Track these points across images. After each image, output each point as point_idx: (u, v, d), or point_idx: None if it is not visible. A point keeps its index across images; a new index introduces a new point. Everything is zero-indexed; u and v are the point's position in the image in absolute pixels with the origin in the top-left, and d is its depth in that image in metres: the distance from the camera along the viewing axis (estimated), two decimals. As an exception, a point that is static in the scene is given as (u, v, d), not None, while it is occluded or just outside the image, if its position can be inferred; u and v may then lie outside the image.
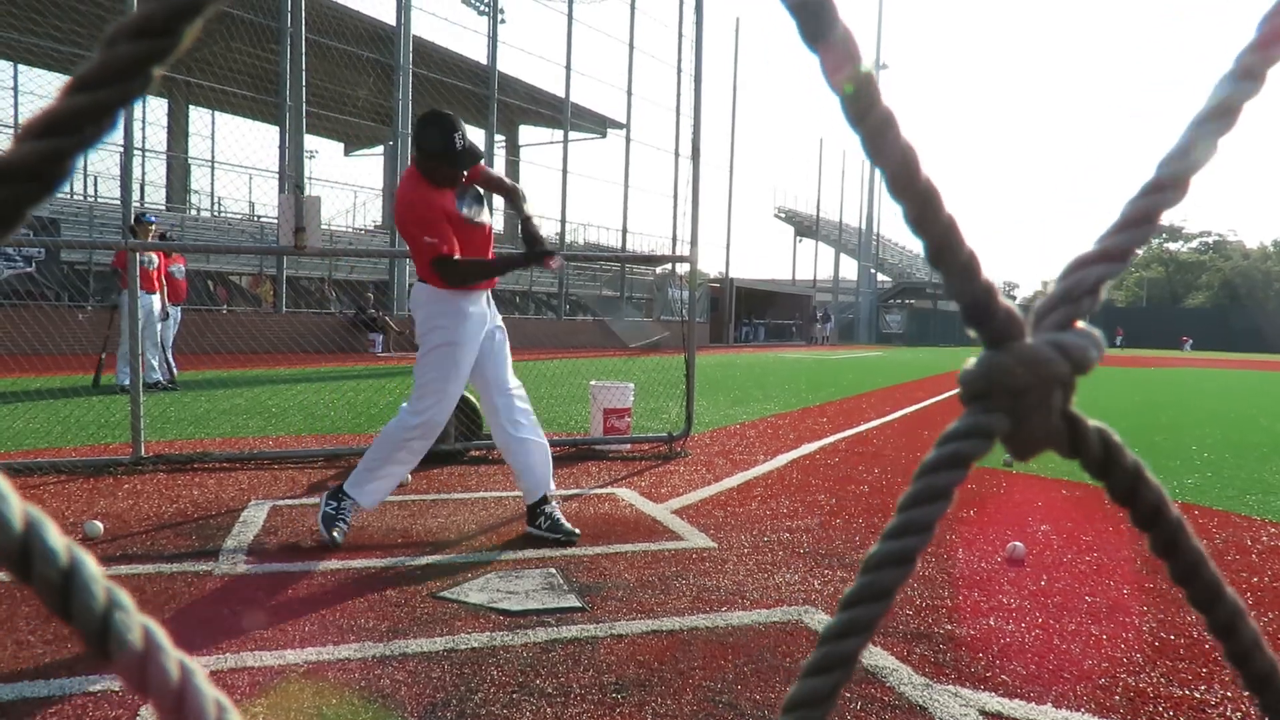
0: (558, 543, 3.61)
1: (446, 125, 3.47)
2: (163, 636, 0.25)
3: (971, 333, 0.35)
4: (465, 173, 3.58)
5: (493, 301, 3.84)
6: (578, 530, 3.71)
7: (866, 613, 0.34)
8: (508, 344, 3.86)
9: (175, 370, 10.11)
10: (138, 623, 0.25)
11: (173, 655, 0.25)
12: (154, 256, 9.32)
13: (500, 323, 3.83)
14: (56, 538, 0.25)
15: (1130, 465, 0.36)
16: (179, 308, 10.48)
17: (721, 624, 2.74)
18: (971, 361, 0.35)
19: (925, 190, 0.32)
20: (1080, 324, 0.35)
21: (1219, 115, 0.35)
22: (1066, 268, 0.36)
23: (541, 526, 3.69)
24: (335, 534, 3.47)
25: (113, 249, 8.41)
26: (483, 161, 3.67)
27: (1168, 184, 0.35)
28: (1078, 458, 0.35)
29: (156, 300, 9.44)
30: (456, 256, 3.50)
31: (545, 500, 3.74)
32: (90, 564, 0.25)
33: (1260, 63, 0.34)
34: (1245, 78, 0.34)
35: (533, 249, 3.59)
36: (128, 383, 9.12)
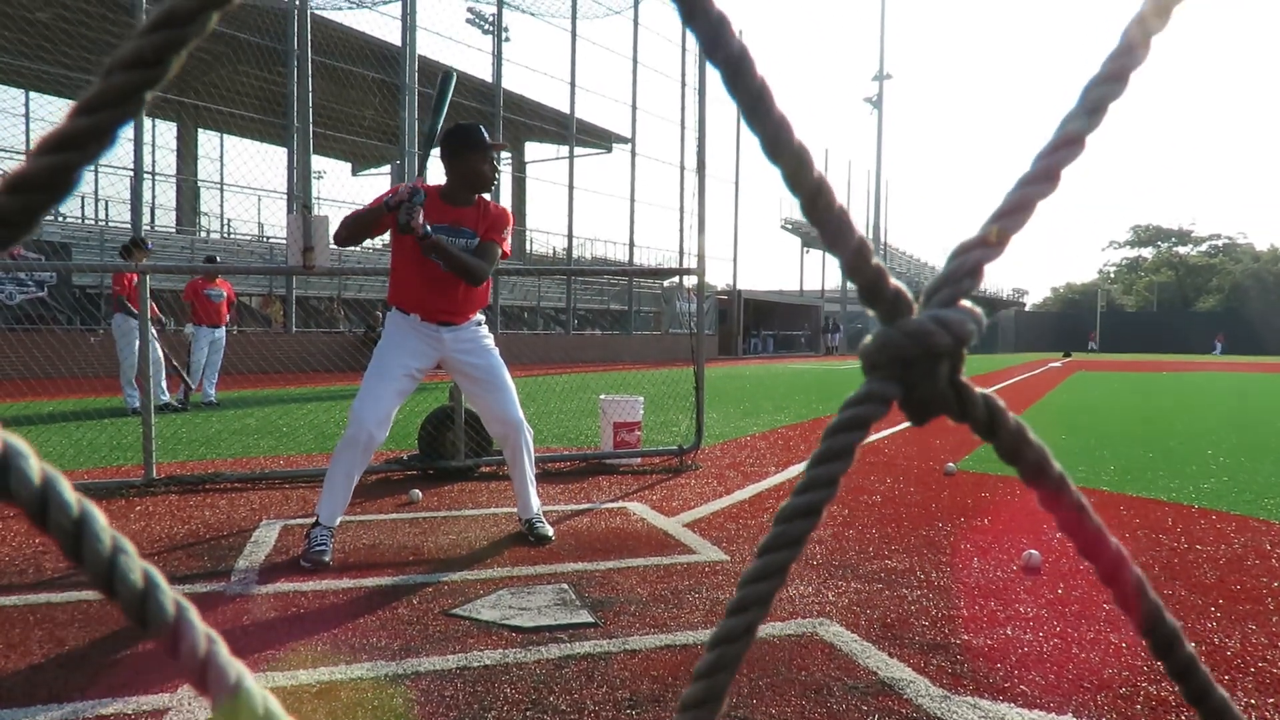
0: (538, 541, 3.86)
1: (473, 126, 3.73)
2: (160, 577, 0.30)
3: (870, 311, 0.39)
4: (494, 177, 3.73)
5: (467, 331, 3.82)
6: (551, 534, 3.94)
7: (780, 558, 0.38)
8: (497, 372, 3.84)
9: (192, 393, 10.13)
10: (138, 565, 0.30)
11: (169, 594, 0.30)
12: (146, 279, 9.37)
13: (477, 357, 3.82)
14: (69, 492, 0.29)
15: (1013, 427, 0.40)
16: (222, 330, 10.50)
17: (735, 638, 2.71)
18: (869, 336, 0.39)
19: (818, 183, 0.36)
20: (964, 302, 0.39)
21: (1086, 113, 0.39)
22: (952, 252, 0.40)
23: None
24: (320, 558, 3.46)
25: (123, 271, 8.46)
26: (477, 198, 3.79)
27: (1040, 176, 0.39)
28: (966, 421, 0.40)
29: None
30: (348, 217, 3.62)
31: (531, 519, 3.98)
32: (98, 516, 0.30)
33: (1124, 67, 0.39)
34: (1110, 80, 0.39)
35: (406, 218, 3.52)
36: (137, 405, 9.17)
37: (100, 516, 0.29)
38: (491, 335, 3.98)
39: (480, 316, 3.93)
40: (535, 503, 3.98)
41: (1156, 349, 52.07)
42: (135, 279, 9.11)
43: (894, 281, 0.38)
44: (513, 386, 3.90)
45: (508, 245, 3.84)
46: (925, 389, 0.38)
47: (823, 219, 0.36)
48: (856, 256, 0.37)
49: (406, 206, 3.46)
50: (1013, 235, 0.39)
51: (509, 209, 3.89)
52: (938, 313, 0.38)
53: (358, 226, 3.58)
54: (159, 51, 0.29)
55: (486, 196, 3.82)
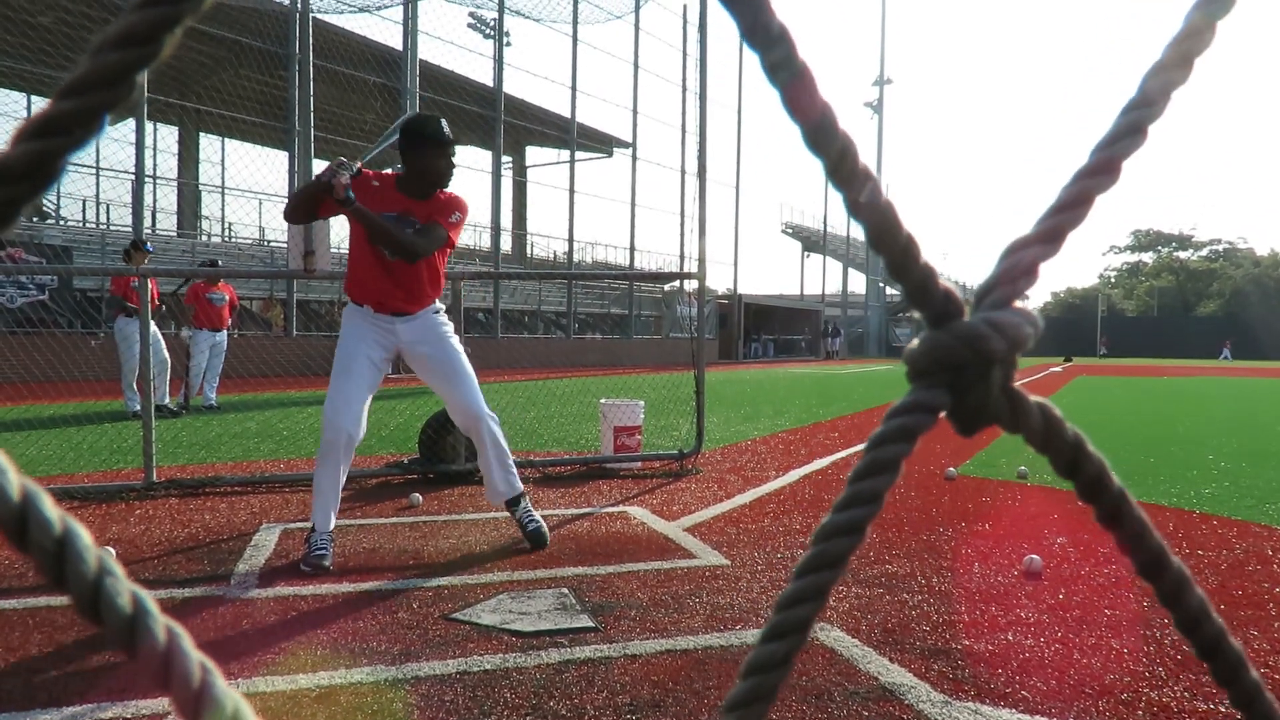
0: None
1: (432, 116, 3.70)
2: (150, 602, 0.27)
3: (915, 314, 0.36)
4: (447, 173, 3.69)
5: (422, 320, 3.77)
6: (546, 531, 3.89)
7: (819, 580, 0.35)
8: (454, 362, 3.80)
9: (192, 397, 10.12)
10: (126, 588, 0.27)
11: (159, 619, 0.27)
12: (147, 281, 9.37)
13: (431, 346, 3.77)
14: (51, 509, 0.26)
15: (1071, 438, 0.37)
16: (224, 333, 10.49)
17: (736, 643, 2.71)
18: (915, 340, 0.36)
19: (865, 176, 0.34)
20: (1018, 303, 0.36)
21: (1146, 104, 0.37)
22: (1005, 250, 0.37)
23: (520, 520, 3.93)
24: (320, 562, 3.44)
25: (124, 274, 8.45)
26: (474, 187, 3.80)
27: (1100, 168, 0.37)
28: (1020, 432, 0.37)
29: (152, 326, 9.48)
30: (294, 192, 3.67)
31: (516, 502, 3.92)
32: (83, 534, 0.27)
33: (1188, 51, 0.36)
34: (1174, 66, 0.37)
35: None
36: (137, 408, 9.17)
37: (85, 535, 0.27)
38: (451, 324, 3.90)
39: (439, 305, 3.85)
40: (505, 487, 3.85)
41: (1157, 354, 52.05)
42: (133, 281, 9.12)
43: (944, 282, 0.36)
44: (473, 376, 3.81)
45: (455, 232, 3.71)
46: (977, 397, 0.35)
47: (869, 215, 0.34)
48: (904, 255, 0.35)
49: (330, 169, 3.42)
50: (1071, 231, 0.37)
51: (464, 200, 3.74)
52: (991, 315, 0.35)
53: (298, 200, 3.58)
54: (152, 28, 0.26)
55: (446, 191, 3.75)
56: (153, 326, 9.55)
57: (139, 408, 9.19)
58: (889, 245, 0.35)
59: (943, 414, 0.36)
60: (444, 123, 3.68)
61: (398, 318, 3.72)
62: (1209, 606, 0.40)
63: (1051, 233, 0.37)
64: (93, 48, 0.27)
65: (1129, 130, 0.37)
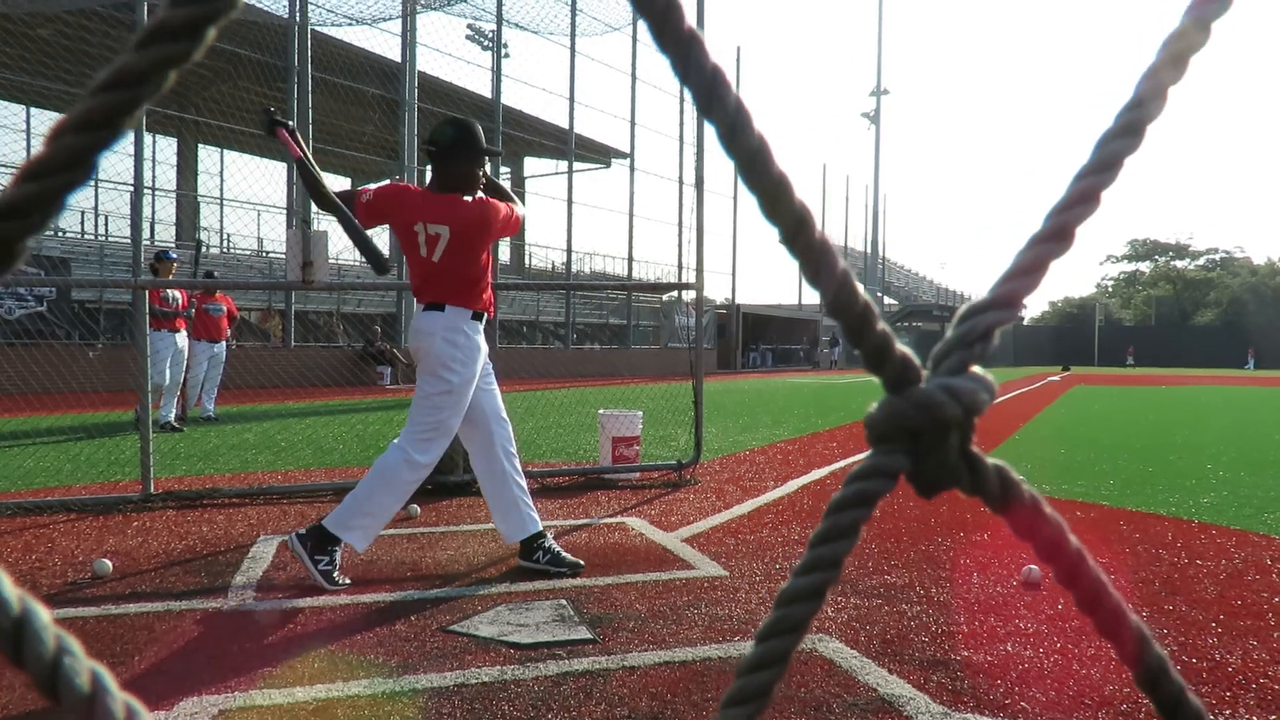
0: (561, 575, 3.56)
1: (470, 125, 3.56)
2: (109, 680, 0.27)
3: (874, 379, 0.37)
4: (483, 179, 3.59)
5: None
6: (581, 561, 3.67)
7: (781, 645, 0.36)
8: (493, 373, 3.80)
9: (190, 409, 10.11)
10: (85, 667, 0.27)
11: (118, 698, 0.27)
12: (175, 294, 9.37)
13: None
14: (9, 588, 0.26)
15: (1028, 501, 0.38)
16: (223, 344, 10.49)
17: (735, 654, 2.70)
18: (874, 406, 0.37)
19: (820, 246, 0.35)
20: (975, 368, 0.37)
21: (1100, 170, 0.38)
22: (960, 314, 0.38)
23: (540, 560, 3.60)
24: (339, 580, 3.39)
25: (123, 287, 8.46)
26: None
27: (1054, 234, 0.38)
28: (978, 494, 0.37)
29: (182, 338, 9.47)
30: (364, 198, 3.48)
31: (540, 534, 3.69)
32: (41, 613, 0.27)
33: (1137, 120, 0.37)
34: (1124, 135, 0.37)
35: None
36: (170, 417, 9.15)
37: (43, 614, 0.26)
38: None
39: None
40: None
41: (1155, 363, 52.08)
42: (161, 292, 9.13)
43: (900, 348, 0.37)
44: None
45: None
46: (935, 461, 0.36)
47: (827, 283, 0.35)
48: (861, 321, 0.35)
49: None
50: (1026, 296, 0.38)
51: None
52: (947, 381, 0.36)
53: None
54: (152, 67, 0.27)
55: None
56: (185, 340, 9.58)
57: (173, 415, 9.20)
58: (846, 313, 0.35)
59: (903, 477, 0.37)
60: (479, 131, 3.58)
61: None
62: (1169, 664, 0.40)
63: (1005, 298, 0.38)
64: (91, 87, 0.27)
65: (1082, 197, 0.38)
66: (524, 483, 3.75)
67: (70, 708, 0.26)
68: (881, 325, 0.36)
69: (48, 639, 0.26)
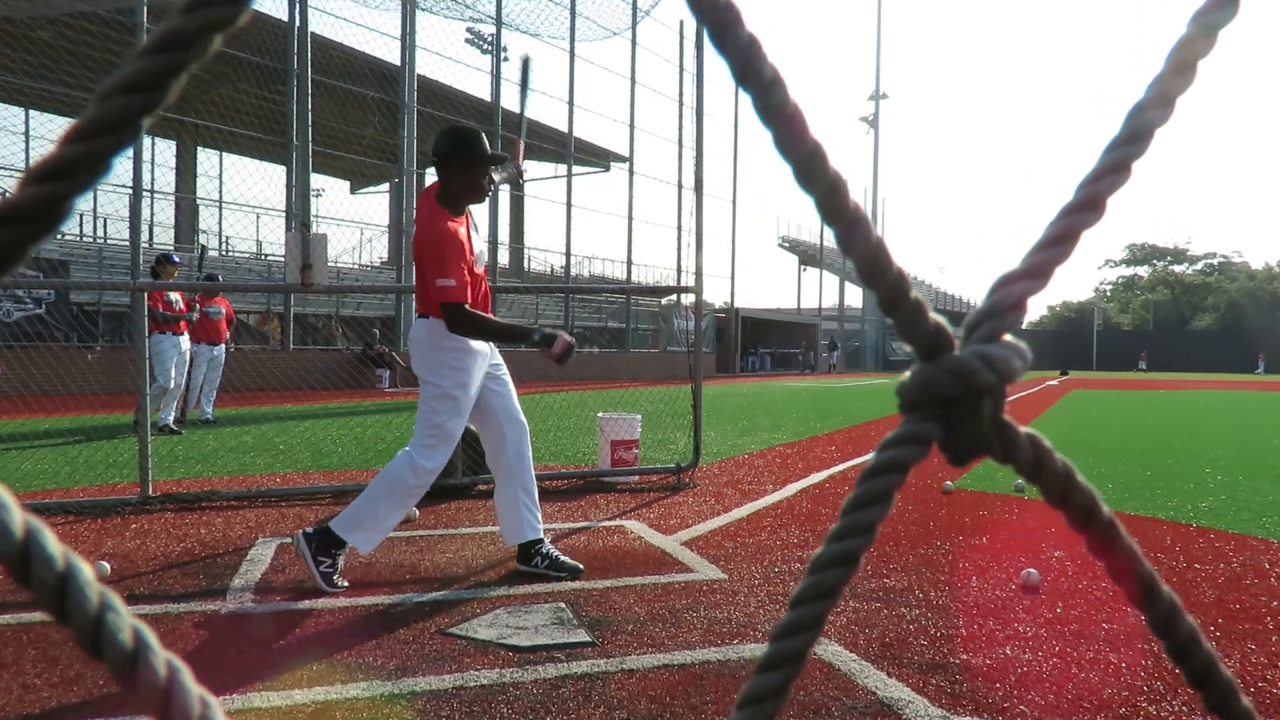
0: (560, 579, 3.56)
1: (471, 133, 3.52)
2: (152, 637, 0.28)
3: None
4: (488, 190, 3.58)
5: None
6: (580, 565, 3.67)
7: (813, 610, 0.35)
8: (508, 375, 3.81)
9: (189, 412, 10.10)
10: (128, 623, 0.27)
11: (160, 654, 0.27)
12: (177, 296, 9.36)
13: (499, 358, 3.78)
14: (54, 544, 0.27)
15: (1060, 469, 0.38)
16: (222, 347, 10.47)
17: (734, 657, 2.70)
18: (907, 374, 0.37)
19: (854, 214, 0.34)
20: (1007, 337, 0.37)
21: (1132, 140, 0.37)
22: (993, 285, 0.38)
23: (539, 566, 3.61)
24: (339, 583, 3.40)
25: (122, 289, 8.45)
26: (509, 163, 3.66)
27: (1086, 204, 0.38)
28: (1010, 462, 0.38)
29: (186, 341, 9.47)
30: (468, 305, 3.40)
31: (539, 540, 3.69)
32: (85, 569, 0.27)
33: (1172, 90, 0.37)
34: (1158, 106, 0.37)
35: (544, 340, 3.49)
36: (169, 419, 9.14)
37: (87, 570, 0.27)
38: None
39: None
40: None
41: (1153, 368, 52.10)
42: (165, 295, 9.12)
43: (934, 315, 0.36)
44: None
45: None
46: (968, 429, 0.36)
47: (860, 251, 0.35)
48: (895, 290, 0.35)
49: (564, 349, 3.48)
50: (1058, 266, 0.37)
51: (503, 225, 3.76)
52: (981, 348, 0.36)
53: (488, 327, 3.55)
54: (158, 75, 0.27)
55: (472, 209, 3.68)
56: (188, 342, 9.58)
57: (171, 418, 9.19)
58: (880, 281, 0.35)
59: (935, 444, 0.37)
60: (486, 139, 3.57)
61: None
62: (1200, 634, 0.40)
63: (1037, 268, 0.37)
64: (99, 93, 0.27)
65: (1112, 168, 0.37)
66: (532, 487, 3.73)
67: (114, 663, 0.27)
68: (915, 294, 0.36)
69: (91, 595, 0.27)
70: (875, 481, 0.37)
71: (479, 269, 3.61)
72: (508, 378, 3.78)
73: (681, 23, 28.26)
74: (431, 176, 3.72)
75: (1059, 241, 0.37)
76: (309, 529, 3.44)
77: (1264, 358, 49.92)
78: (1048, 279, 0.37)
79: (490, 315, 3.61)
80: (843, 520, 0.36)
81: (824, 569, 0.36)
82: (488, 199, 3.59)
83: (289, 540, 4.24)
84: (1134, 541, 0.39)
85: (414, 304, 4.08)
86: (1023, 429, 0.37)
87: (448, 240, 3.39)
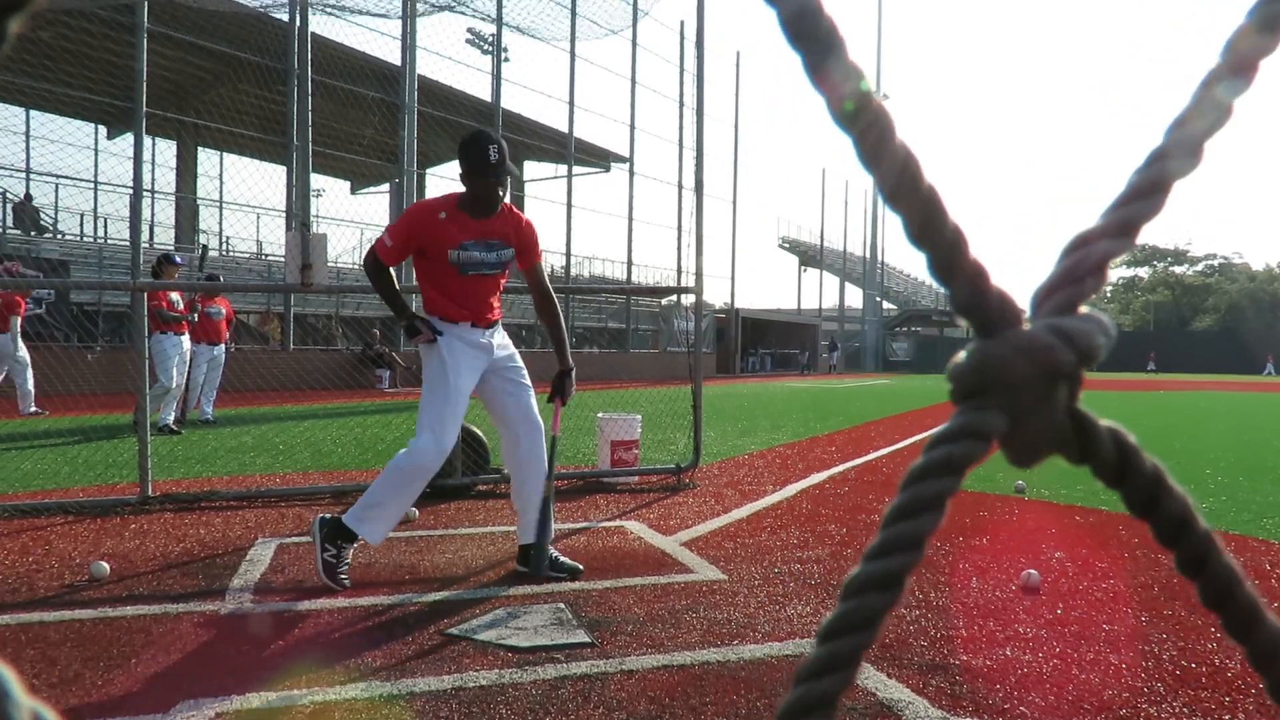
0: (559, 579, 3.56)
1: (483, 139, 3.54)
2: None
3: (963, 323, 0.30)
4: (502, 191, 3.59)
5: (502, 333, 3.78)
6: (579, 565, 3.67)
7: (848, 645, 0.28)
8: (526, 375, 3.81)
9: (189, 412, 10.09)
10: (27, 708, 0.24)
11: None
12: (176, 296, 9.36)
13: (516, 358, 3.78)
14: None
15: (1149, 471, 0.31)
16: (222, 347, 10.46)
17: (733, 658, 2.70)
18: (962, 354, 0.30)
19: (903, 153, 0.29)
20: (1084, 308, 0.30)
21: (1234, 71, 0.30)
22: (1068, 245, 0.31)
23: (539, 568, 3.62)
24: (342, 579, 3.41)
25: (122, 289, 8.45)
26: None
27: (1179, 150, 0.30)
28: (1087, 463, 0.30)
29: (187, 341, 9.47)
30: (385, 265, 3.59)
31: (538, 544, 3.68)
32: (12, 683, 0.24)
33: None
34: (1264, 30, 0.30)
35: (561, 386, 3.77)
36: (169, 420, 9.14)
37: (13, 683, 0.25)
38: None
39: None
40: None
41: (1160, 369, 52.09)
42: (169, 295, 9.11)
43: (997, 285, 0.30)
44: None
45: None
46: (1038, 421, 0.29)
47: (908, 202, 0.29)
48: (951, 250, 0.29)
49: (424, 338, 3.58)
50: (1147, 222, 0.31)
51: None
52: (1056, 321, 0.29)
53: (385, 291, 3.69)
54: None
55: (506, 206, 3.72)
56: (189, 343, 9.57)
57: (171, 419, 9.18)
58: (933, 238, 0.29)
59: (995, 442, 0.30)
60: (490, 148, 3.51)
61: (497, 330, 3.74)
62: None
63: (1122, 224, 0.31)
64: None
65: (1214, 106, 0.31)
66: (540, 487, 3.70)
67: None
68: (973, 256, 0.29)
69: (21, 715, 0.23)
70: (924, 486, 0.29)
71: (483, 274, 3.61)
72: (527, 381, 3.81)
73: (682, 23, 28.27)
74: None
75: (1149, 194, 0.30)
76: (326, 515, 3.53)
77: (1273, 359, 49.87)
78: (1134, 237, 0.31)
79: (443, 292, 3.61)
80: (883, 534, 0.29)
81: (860, 593, 0.29)
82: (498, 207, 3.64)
83: (289, 540, 4.24)
84: (1236, 562, 0.33)
85: (417, 304, 4.07)
86: (1104, 423, 0.31)
87: (408, 214, 3.63)
